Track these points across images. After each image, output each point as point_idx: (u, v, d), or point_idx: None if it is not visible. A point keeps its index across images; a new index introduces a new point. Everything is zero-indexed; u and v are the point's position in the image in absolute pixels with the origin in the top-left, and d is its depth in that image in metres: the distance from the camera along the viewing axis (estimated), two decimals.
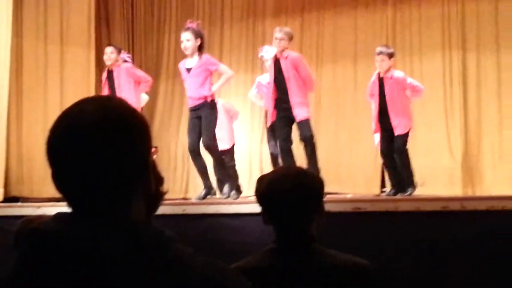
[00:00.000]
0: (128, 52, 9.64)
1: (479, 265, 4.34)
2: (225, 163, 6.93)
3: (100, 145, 1.14)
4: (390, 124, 6.67)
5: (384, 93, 6.71)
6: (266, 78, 7.42)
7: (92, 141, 1.14)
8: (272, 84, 6.61)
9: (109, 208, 1.17)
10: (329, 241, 2.12)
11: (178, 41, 10.45)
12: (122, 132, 1.17)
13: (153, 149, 1.27)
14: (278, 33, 6.54)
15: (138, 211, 1.21)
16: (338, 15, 9.69)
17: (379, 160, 8.93)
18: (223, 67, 6.90)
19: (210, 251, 1.19)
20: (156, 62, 10.62)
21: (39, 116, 7.98)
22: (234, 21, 10.38)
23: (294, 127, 6.64)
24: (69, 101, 1.24)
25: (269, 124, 6.86)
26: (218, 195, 6.76)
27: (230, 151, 7.90)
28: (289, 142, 6.53)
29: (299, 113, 6.41)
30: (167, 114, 10.49)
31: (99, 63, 9.86)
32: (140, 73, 7.72)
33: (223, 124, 7.68)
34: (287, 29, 6.75)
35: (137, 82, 7.48)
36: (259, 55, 7.61)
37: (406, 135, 6.73)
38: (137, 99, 7.37)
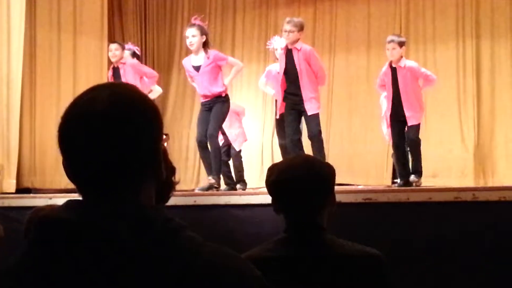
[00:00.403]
0: (140, 43, 9.69)
1: (490, 255, 4.33)
2: (221, 157, 6.87)
3: (111, 131, 1.15)
4: (403, 115, 6.58)
5: (397, 83, 6.62)
6: (276, 67, 7.40)
7: (103, 127, 1.15)
8: (282, 75, 6.53)
9: (119, 194, 1.17)
10: (340, 231, 2.12)
11: None
12: (133, 118, 1.17)
13: (164, 137, 1.28)
14: (286, 25, 6.43)
15: (149, 198, 1.21)
16: (351, 3, 9.65)
17: (391, 151, 8.92)
18: (232, 60, 6.87)
19: (220, 241, 1.18)
20: (168, 53, 10.63)
21: (52, 107, 8.00)
22: (247, 11, 10.35)
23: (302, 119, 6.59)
24: (82, 91, 1.23)
25: (278, 115, 6.81)
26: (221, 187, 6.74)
27: (239, 153, 7.85)
28: (298, 134, 6.47)
29: (309, 107, 6.34)
30: (179, 105, 10.51)
31: None
32: (147, 69, 7.69)
33: (233, 125, 7.66)
34: (296, 19, 6.59)
35: (142, 77, 7.43)
36: (268, 46, 7.56)
37: (418, 126, 6.66)
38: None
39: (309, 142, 6.49)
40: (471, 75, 8.91)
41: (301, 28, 6.44)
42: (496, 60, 8.85)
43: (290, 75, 6.45)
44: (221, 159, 6.77)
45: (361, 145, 9.28)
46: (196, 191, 6.61)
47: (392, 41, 6.63)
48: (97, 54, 8.84)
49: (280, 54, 6.65)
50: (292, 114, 6.46)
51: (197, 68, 6.55)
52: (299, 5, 10.04)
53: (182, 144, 10.29)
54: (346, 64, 9.64)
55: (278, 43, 7.25)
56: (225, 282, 1.12)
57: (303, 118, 6.52)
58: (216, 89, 6.49)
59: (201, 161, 10.02)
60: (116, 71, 7.42)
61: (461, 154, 8.73)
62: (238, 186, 7.11)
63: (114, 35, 10.22)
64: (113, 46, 7.47)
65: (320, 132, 6.43)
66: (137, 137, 1.17)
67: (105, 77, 8.65)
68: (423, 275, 4.41)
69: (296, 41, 6.43)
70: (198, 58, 6.55)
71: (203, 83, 6.53)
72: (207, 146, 6.58)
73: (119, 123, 1.15)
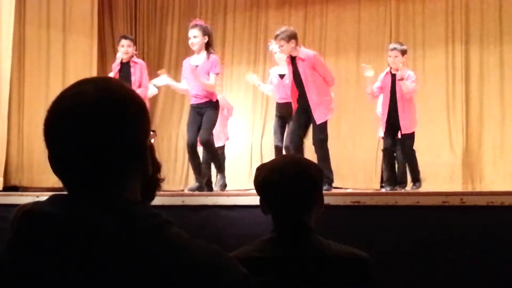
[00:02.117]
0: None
1: (478, 260, 4.34)
2: (220, 157, 6.91)
3: (96, 125, 1.14)
4: (397, 122, 6.58)
5: (395, 90, 6.61)
6: (277, 70, 7.40)
7: (89, 121, 1.14)
8: (291, 83, 6.45)
9: (105, 189, 1.16)
10: (328, 234, 2.11)
11: (181, 32, 10.51)
12: (120, 113, 1.17)
13: (151, 133, 1.27)
14: (276, 42, 6.36)
15: (134, 193, 1.21)
16: (342, 7, 9.68)
17: (380, 155, 8.94)
18: (213, 77, 6.48)
19: (208, 242, 1.17)
20: (158, 52, 10.62)
21: (41, 105, 7.96)
22: (237, 12, 10.36)
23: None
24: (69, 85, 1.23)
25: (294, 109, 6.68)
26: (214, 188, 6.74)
27: (222, 148, 7.86)
28: (302, 130, 6.41)
29: (317, 116, 6.29)
30: (168, 106, 10.49)
31: (102, 51, 9.87)
32: (146, 75, 7.36)
33: (218, 121, 7.66)
34: (282, 32, 6.33)
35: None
36: (270, 48, 7.53)
37: (413, 136, 6.66)
38: (146, 88, 7.18)
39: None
40: (460, 81, 8.95)
41: (289, 38, 6.25)
42: (485, 67, 8.89)
43: (298, 84, 6.39)
44: (220, 159, 6.77)
45: (350, 149, 9.29)
46: (186, 191, 6.60)
47: (394, 49, 6.63)
48: (86, 52, 8.82)
49: (287, 62, 6.54)
50: (300, 115, 6.39)
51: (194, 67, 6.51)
52: (290, 8, 10.06)
53: (171, 145, 10.28)
54: (336, 68, 9.64)
55: (274, 47, 7.26)
56: (211, 278, 1.11)
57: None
58: (208, 91, 6.45)
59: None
60: (125, 68, 7.15)
61: (449, 159, 8.76)
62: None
63: (104, 34, 10.20)
64: (126, 42, 7.16)
65: (322, 140, 6.31)
66: (123, 132, 1.17)
67: (95, 75, 8.61)
68: (410, 279, 4.42)
69: (294, 49, 6.32)
70: (199, 58, 6.53)
71: (196, 84, 6.49)
72: (196, 150, 6.58)
73: (105, 117, 1.15)
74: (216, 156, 6.73)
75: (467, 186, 8.58)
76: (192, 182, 9.85)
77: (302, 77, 6.31)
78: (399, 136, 6.71)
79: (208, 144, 6.52)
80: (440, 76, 8.99)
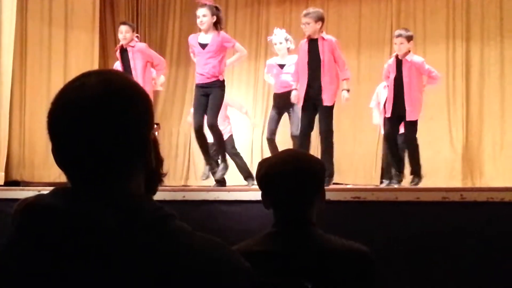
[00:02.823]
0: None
1: (478, 256, 4.35)
2: (225, 145, 6.87)
3: (101, 118, 1.14)
4: (403, 109, 6.51)
5: (401, 76, 6.56)
6: (275, 60, 7.40)
7: (93, 114, 1.14)
8: (305, 67, 6.42)
9: (108, 182, 1.16)
10: (328, 229, 2.13)
11: (182, 26, 10.51)
12: (124, 106, 1.17)
13: (155, 126, 1.27)
14: (303, 19, 6.39)
15: (137, 186, 1.21)
16: (343, 3, 9.67)
17: (380, 151, 8.95)
18: (238, 45, 6.81)
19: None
20: (160, 47, 10.59)
21: (42, 100, 7.97)
22: (239, 8, 10.35)
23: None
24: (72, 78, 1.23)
25: (298, 103, 6.59)
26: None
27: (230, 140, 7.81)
28: (311, 128, 6.42)
29: (325, 97, 6.29)
30: (169, 100, 10.49)
31: (103, 47, 9.87)
32: (154, 54, 7.44)
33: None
34: (312, 11, 6.49)
35: (150, 63, 7.26)
36: (268, 39, 7.55)
37: (416, 124, 6.59)
38: (150, 81, 7.17)
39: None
40: (460, 77, 8.95)
41: (317, 18, 6.34)
42: (485, 63, 8.90)
43: (312, 65, 6.37)
44: (224, 147, 6.76)
45: (350, 145, 9.30)
46: (202, 179, 6.60)
47: (400, 35, 6.61)
48: (88, 47, 8.82)
49: (301, 44, 6.50)
50: (308, 107, 6.40)
51: (203, 46, 6.52)
52: (291, 4, 10.06)
53: (171, 141, 10.28)
54: None
55: (277, 37, 7.27)
56: (214, 271, 1.12)
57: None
58: (216, 70, 6.44)
59: (190, 157, 10.09)
60: (124, 54, 7.21)
61: (449, 155, 8.77)
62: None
63: (106, 29, 10.19)
64: (124, 28, 7.22)
65: (329, 131, 6.34)
66: (127, 124, 1.16)
67: None
68: (410, 274, 4.44)
69: (317, 31, 6.36)
70: (207, 37, 6.52)
71: (204, 61, 6.49)
72: (203, 133, 6.55)
73: (108, 109, 1.15)
74: (221, 141, 6.66)
75: (467, 182, 8.59)
76: (193, 178, 9.92)
77: (321, 56, 6.32)
78: (403, 126, 6.68)
79: (213, 129, 6.50)
80: (441, 72, 8.93)
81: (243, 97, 9.87)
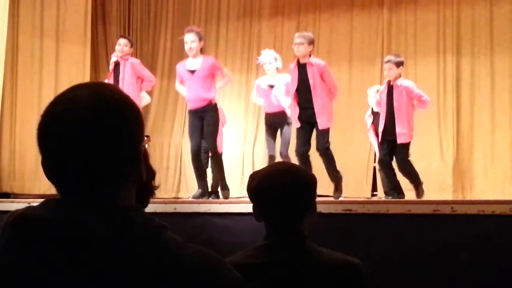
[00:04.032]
0: None
1: (468, 268, 4.36)
2: (223, 166, 6.91)
3: (90, 131, 1.14)
4: (393, 132, 6.61)
5: (392, 100, 6.66)
6: (264, 80, 7.43)
7: (84, 127, 1.14)
8: (294, 90, 6.51)
9: (99, 194, 1.16)
10: (319, 241, 2.13)
11: (174, 40, 10.52)
12: (114, 118, 1.16)
13: (145, 138, 1.27)
14: (296, 39, 6.46)
15: (128, 198, 1.20)
16: (335, 17, 9.72)
17: (371, 164, 8.98)
18: (226, 71, 6.95)
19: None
20: (151, 61, 10.61)
21: (33, 113, 7.96)
22: (230, 21, 10.38)
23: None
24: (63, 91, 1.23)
25: (296, 126, 6.65)
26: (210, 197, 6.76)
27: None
28: (308, 146, 6.49)
29: (320, 122, 6.38)
30: (161, 113, 10.49)
31: (95, 59, 9.87)
32: (146, 71, 7.51)
33: None
34: (306, 33, 6.65)
35: (140, 79, 7.31)
36: (258, 61, 7.58)
37: (408, 146, 6.70)
38: (138, 96, 7.19)
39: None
40: (451, 91, 9.00)
41: (310, 41, 6.44)
42: (476, 77, 8.94)
43: (303, 90, 6.45)
44: (224, 171, 6.82)
45: (341, 158, 9.25)
46: (190, 198, 6.64)
47: (389, 61, 6.69)
48: (79, 60, 8.83)
49: (291, 69, 6.59)
50: (304, 128, 6.48)
51: (192, 72, 6.57)
52: (283, 17, 10.09)
53: (163, 153, 10.27)
54: None
55: (266, 57, 7.30)
56: (206, 282, 1.12)
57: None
58: (208, 95, 6.49)
59: (181, 170, 10.08)
60: (117, 68, 7.26)
61: (440, 168, 8.79)
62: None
63: (97, 42, 10.20)
64: (123, 41, 7.31)
65: (328, 148, 6.46)
66: (117, 137, 1.16)
67: None
68: (401, 286, 4.44)
69: (307, 54, 6.44)
70: (195, 63, 6.58)
71: (195, 87, 6.53)
72: (200, 157, 6.65)
73: (99, 122, 1.14)
74: (221, 167, 6.75)
75: (457, 195, 8.61)
76: (184, 190, 9.90)
77: (311, 82, 6.39)
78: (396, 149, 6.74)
79: (215, 153, 6.62)
80: (431, 86, 9.02)
81: (234, 109, 9.88)
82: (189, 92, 6.65)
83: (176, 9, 10.68)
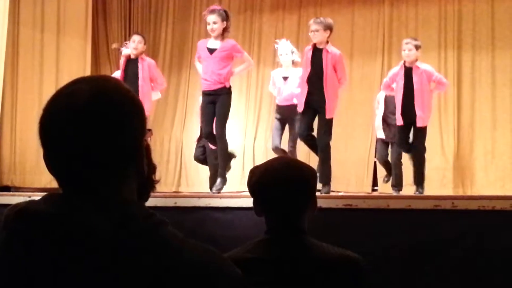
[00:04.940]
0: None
1: (469, 263, 4.37)
2: (228, 155, 6.81)
3: (92, 125, 1.13)
4: (413, 115, 6.58)
5: (411, 83, 6.61)
6: (279, 72, 7.37)
7: (85, 121, 1.13)
8: (307, 76, 6.42)
9: (100, 188, 1.16)
10: (320, 236, 2.13)
11: (174, 34, 10.52)
12: (116, 113, 1.16)
13: (147, 132, 1.26)
14: (312, 26, 6.37)
15: (130, 193, 1.20)
16: (336, 11, 9.69)
17: (372, 159, 8.98)
18: (246, 56, 6.82)
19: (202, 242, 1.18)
20: (152, 55, 10.55)
21: (34, 106, 7.97)
22: (232, 15, 10.34)
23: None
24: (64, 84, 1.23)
25: (298, 109, 6.57)
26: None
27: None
28: (311, 130, 6.44)
29: (328, 108, 6.31)
30: (161, 107, 10.48)
31: (95, 53, 9.87)
32: (160, 74, 7.47)
33: None
34: (323, 19, 6.50)
35: (153, 80, 7.24)
36: (276, 46, 7.50)
37: (425, 130, 6.70)
38: (151, 96, 7.20)
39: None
40: (452, 86, 8.98)
41: (326, 27, 6.35)
42: (476, 72, 8.94)
43: (314, 75, 6.37)
44: (228, 157, 6.70)
45: (342, 153, 9.30)
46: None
47: (409, 42, 6.67)
48: (80, 54, 8.83)
49: (306, 52, 6.52)
50: (308, 112, 6.41)
51: (211, 51, 6.47)
52: (284, 12, 10.08)
53: (163, 147, 10.27)
54: None
55: (282, 49, 7.23)
56: (206, 278, 1.11)
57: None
58: (223, 77, 6.38)
59: (182, 164, 10.08)
60: (131, 64, 7.12)
61: (440, 164, 8.79)
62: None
63: (98, 36, 10.20)
64: (137, 37, 7.16)
65: (329, 140, 6.39)
66: (119, 132, 1.16)
67: None
68: (401, 281, 4.44)
69: (324, 41, 6.37)
70: (216, 42, 6.49)
71: (212, 67, 6.42)
72: (215, 138, 6.49)
73: (100, 116, 1.14)
74: (226, 153, 6.57)
75: (458, 190, 8.61)
76: (184, 184, 9.91)
77: (324, 69, 6.32)
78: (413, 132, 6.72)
79: (222, 139, 6.45)
80: None
81: (235, 103, 9.85)
82: (204, 72, 6.53)
83: (177, 3, 10.66)
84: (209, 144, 6.72)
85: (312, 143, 6.41)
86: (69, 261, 1.09)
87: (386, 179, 7.59)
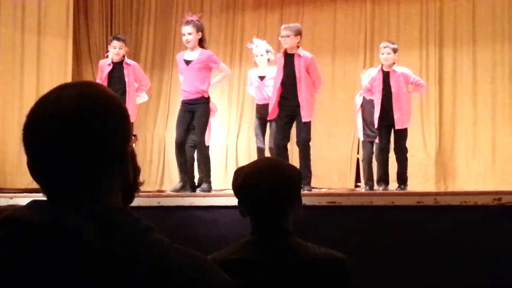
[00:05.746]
0: (106, 44, 9.60)
1: (452, 259, 4.40)
2: (210, 161, 6.87)
3: (77, 132, 1.13)
4: (391, 118, 6.70)
5: (388, 86, 6.74)
6: (256, 72, 7.41)
7: (70, 127, 1.12)
8: (279, 81, 6.50)
9: (85, 195, 1.15)
10: (304, 234, 2.13)
11: (156, 33, 10.49)
12: (101, 119, 1.15)
13: (132, 137, 1.26)
14: (282, 31, 6.47)
15: (115, 199, 1.19)
16: (318, 9, 9.72)
17: (354, 156, 9.02)
18: (223, 65, 6.90)
19: (184, 243, 1.18)
20: (134, 55, 10.53)
21: (14, 107, 7.91)
22: (213, 14, 10.34)
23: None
24: (48, 90, 1.21)
25: (269, 117, 6.69)
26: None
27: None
28: (287, 140, 6.51)
29: (304, 114, 6.38)
30: (143, 107, 10.43)
31: (77, 53, 9.81)
32: (144, 75, 7.44)
33: None
34: (292, 25, 6.64)
35: (138, 81, 7.22)
36: (248, 46, 7.54)
37: (406, 132, 6.82)
38: (135, 102, 7.21)
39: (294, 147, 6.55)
40: (433, 83, 9.04)
41: (297, 32, 6.45)
42: (458, 69, 9.00)
43: (288, 81, 6.45)
44: (210, 164, 6.76)
45: (324, 150, 9.33)
46: (169, 192, 6.60)
47: (387, 46, 6.78)
48: (61, 54, 8.77)
49: (278, 58, 6.62)
50: (284, 119, 6.47)
51: (187, 63, 6.55)
52: (266, 10, 10.08)
53: (146, 146, 10.24)
54: None
55: (258, 50, 7.27)
56: (194, 284, 1.11)
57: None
58: (201, 87, 6.46)
59: (165, 163, 10.06)
60: (116, 69, 7.06)
61: (422, 159, 8.84)
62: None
63: (80, 35, 10.13)
64: (117, 43, 7.06)
65: (309, 140, 6.47)
66: (105, 138, 1.15)
67: (69, 77, 8.57)
68: (385, 278, 4.46)
69: (295, 46, 6.46)
70: (193, 54, 6.56)
71: (189, 78, 6.52)
72: (184, 149, 6.61)
73: (85, 123, 1.13)
74: (207, 160, 6.68)
75: (440, 185, 8.68)
76: (167, 183, 9.88)
77: (297, 74, 6.40)
78: (393, 134, 6.81)
79: (201, 146, 6.55)
80: None
81: (217, 101, 9.85)
82: (183, 83, 6.65)
83: (158, 3, 10.62)
84: (176, 152, 6.70)
85: (285, 154, 6.44)
86: (55, 270, 1.08)
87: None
